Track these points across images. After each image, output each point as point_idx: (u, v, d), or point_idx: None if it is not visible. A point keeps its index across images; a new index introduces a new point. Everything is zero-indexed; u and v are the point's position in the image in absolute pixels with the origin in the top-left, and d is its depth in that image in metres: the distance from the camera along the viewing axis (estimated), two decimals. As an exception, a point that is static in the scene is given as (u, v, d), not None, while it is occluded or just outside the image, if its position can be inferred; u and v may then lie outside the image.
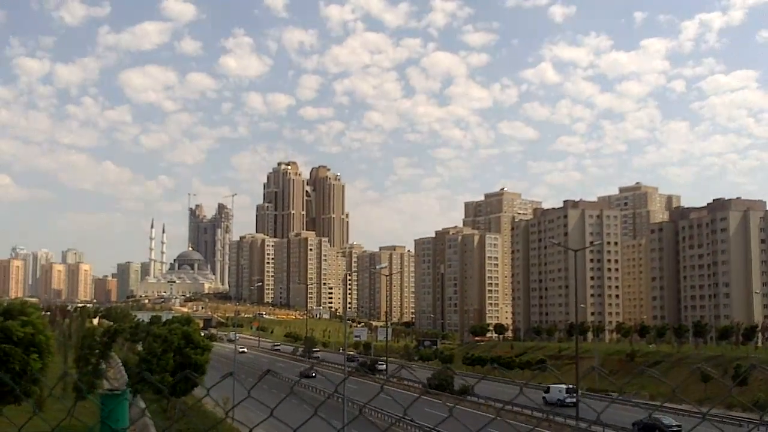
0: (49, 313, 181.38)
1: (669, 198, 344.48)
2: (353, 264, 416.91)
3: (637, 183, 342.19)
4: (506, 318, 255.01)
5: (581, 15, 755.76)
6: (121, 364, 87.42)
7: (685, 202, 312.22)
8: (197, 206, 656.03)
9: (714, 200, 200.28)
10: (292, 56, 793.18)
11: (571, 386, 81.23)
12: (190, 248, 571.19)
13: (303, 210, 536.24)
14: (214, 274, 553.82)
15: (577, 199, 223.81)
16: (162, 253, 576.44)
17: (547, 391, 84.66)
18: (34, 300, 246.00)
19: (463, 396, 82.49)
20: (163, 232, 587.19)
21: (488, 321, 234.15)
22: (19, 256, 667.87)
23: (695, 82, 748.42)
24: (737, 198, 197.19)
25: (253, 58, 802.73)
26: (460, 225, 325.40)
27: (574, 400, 79.80)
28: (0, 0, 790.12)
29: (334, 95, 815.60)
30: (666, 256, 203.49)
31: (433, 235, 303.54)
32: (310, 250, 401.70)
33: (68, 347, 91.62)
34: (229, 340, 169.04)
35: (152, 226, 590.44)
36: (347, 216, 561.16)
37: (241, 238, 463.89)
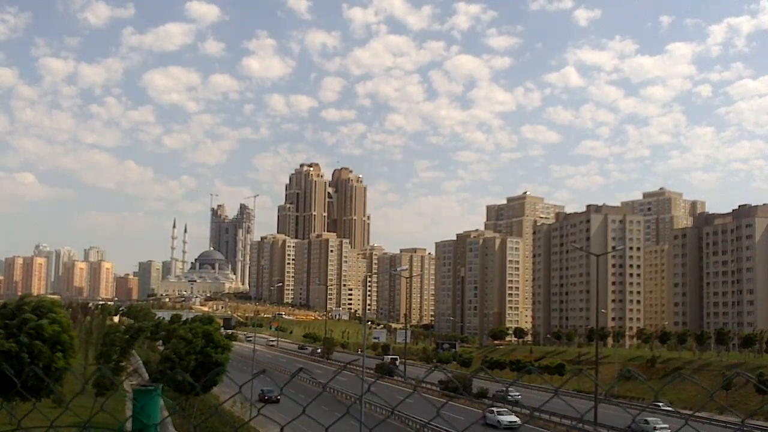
0: (70, 310, 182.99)
1: (693, 204, 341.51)
2: (373, 266, 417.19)
3: (661, 188, 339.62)
4: (526, 322, 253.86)
5: (606, 19, 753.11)
6: (141, 362, 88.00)
7: (710, 208, 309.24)
8: (219, 206, 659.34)
9: (739, 206, 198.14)
10: (315, 58, 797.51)
11: (395, 357, 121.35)
12: (212, 248, 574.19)
13: (324, 211, 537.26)
14: (234, 274, 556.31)
15: (599, 204, 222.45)
16: (183, 252, 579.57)
17: (383, 359, 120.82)
18: (56, 297, 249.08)
19: (480, 399, 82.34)
20: (185, 231, 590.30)
21: (508, 325, 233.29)
22: (42, 254, 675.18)
23: (722, 86, 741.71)
24: (764, 204, 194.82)
25: (275, 59, 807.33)
26: (481, 228, 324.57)
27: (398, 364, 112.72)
28: (26, 1, 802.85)
29: (356, 97, 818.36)
30: (689, 262, 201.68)
31: (454, 237, 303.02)
32: (331, 251, 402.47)
33: (89, 344, 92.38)
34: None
35: (174, 226, 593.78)
36: (368, 218, 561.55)
37: (262, 238, 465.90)
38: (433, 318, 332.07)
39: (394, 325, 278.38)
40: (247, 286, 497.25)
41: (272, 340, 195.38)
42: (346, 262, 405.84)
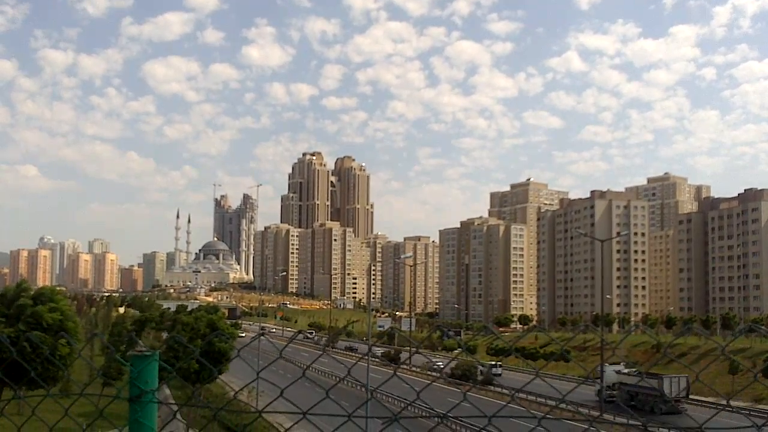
0: (75, 302, 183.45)
1: (698, 188, 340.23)
2: (377, 254, 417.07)
3: (666, 173, 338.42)
4: (531, 309, 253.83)
5: (608, 2, 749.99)
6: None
7: (715, 193, 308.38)
8: (222, 197, 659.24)
9: (745, 190, 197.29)
10: (315, 46, 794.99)
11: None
12: (215, 238, 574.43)
13: (327, 200, 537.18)
14: (238, 264, 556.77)
15: (603, 190, 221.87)
16: (187, 243, 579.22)
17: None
18: (61, 289, 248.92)
19: (486, 385, 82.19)
20: (189, 222, 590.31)
21: (513, 312, 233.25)
22: (47, 246, 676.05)
23: (727, 69, 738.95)
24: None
25: (275, 48, 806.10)
26: (484, 215, 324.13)
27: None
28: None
29: (357, 85, 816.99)
30: (694, 247, 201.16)
31: (458, 225, 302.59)
32: (335, 240, 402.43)
33: (96, 335, 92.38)
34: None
35: (178, 216, 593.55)
36: (372, 206, 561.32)
37: (265, 228, 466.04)
38: (437, 306, 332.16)
39: (398, 314, 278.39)
40: (251, 276, 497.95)
41: (272, 329, 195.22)
42: (349, 251, 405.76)
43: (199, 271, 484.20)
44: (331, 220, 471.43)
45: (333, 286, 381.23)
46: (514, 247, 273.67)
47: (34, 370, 28.81)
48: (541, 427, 3.20)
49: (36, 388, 30.13)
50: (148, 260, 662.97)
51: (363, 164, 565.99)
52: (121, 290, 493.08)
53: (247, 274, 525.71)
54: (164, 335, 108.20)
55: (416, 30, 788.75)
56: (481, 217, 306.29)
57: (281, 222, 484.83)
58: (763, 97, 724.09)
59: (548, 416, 3.37)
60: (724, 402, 68.50)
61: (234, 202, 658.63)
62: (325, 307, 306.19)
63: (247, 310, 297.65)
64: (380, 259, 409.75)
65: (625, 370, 76.35)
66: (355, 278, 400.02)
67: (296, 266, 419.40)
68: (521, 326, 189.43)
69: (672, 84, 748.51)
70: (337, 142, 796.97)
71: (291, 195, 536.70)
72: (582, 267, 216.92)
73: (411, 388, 4.15)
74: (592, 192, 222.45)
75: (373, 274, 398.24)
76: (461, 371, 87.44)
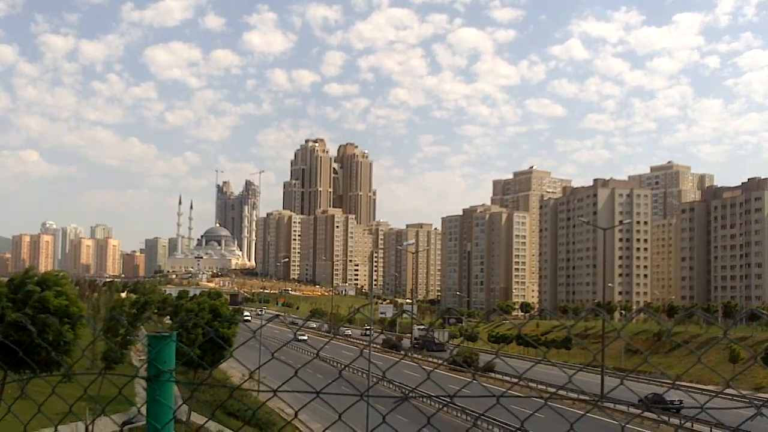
0: (78, 287, 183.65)
1: (702, 177, 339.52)
2: (379, 241, 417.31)
3: (669, 162, 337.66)
4: (533, 297, 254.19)
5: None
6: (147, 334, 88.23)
7: (718, 182, 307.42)
8: (224, 183, 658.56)
9: (748, 179, 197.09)
10: (317, 32, 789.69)
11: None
12: (218, 225, 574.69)
13: (330, 187, 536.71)
14: (240, 250, 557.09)
15: (606, 178, 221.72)
16: (189, 229, 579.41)
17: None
18: (64, 273, 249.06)
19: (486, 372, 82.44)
20: (191, 208, 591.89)
21: (514, 300, 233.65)
22: (49, 232, 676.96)
23: (731, 57, 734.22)
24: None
25: (277, 34, 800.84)
26: (486, 203, 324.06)
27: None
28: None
29: (358, 72, 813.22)
30: (697, 236, 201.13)
31: (460, 213, 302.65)
32: (337, 227, 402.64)
33: (97, 320, 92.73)
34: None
35: (180, 202, 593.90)
36: (374, 193, 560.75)
37: (268, 214, 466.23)
38: (439, 293, 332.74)
39: (400, 301, 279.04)
40: (253, 263, 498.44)
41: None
42: (352, 237, 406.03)
43: (201, 257, 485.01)
44: (333, 206, 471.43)
45: (335, 272, 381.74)
46: (516, 235, 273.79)
47: (38, 355, 28.94)
48: (548, 405, 3.29)
49: (42, 372, 30.25)
50: (150, 246, 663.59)
51: (366, 151, 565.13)
52: (123, 276, 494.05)
53: (249, 261, 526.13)
54: (166, 320, 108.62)
55: (418, 17, 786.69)
56: (483, 205, 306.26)
57: (283, 208, 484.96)
58: (766, 85, 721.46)
59: (554, 397, 3.45)
60: (724, 389, 68.50)
61: (236, 189, 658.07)
62: (326, 293, 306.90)
63: (248, 296, 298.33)
64: (382, 246, 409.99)
65: (423, 328, 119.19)
66: (357, 265, 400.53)
67: (298, 253, 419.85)
68: (523, 314, 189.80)
69: (675, 72, 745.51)
70: (339, 128, 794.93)
71: (293, 181, 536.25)
72: (584, 255, 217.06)
73: (420, 368, 4.16)
74: (595, 180, 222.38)
75: (375, 261, 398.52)
76: (463, 358, 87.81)
